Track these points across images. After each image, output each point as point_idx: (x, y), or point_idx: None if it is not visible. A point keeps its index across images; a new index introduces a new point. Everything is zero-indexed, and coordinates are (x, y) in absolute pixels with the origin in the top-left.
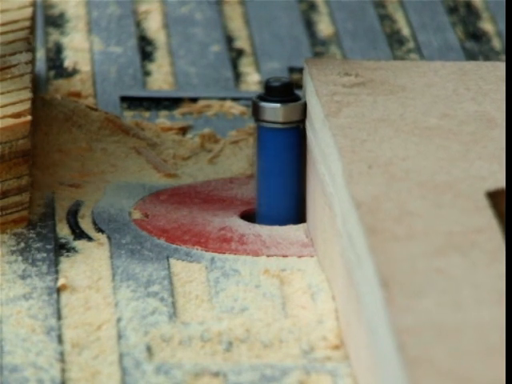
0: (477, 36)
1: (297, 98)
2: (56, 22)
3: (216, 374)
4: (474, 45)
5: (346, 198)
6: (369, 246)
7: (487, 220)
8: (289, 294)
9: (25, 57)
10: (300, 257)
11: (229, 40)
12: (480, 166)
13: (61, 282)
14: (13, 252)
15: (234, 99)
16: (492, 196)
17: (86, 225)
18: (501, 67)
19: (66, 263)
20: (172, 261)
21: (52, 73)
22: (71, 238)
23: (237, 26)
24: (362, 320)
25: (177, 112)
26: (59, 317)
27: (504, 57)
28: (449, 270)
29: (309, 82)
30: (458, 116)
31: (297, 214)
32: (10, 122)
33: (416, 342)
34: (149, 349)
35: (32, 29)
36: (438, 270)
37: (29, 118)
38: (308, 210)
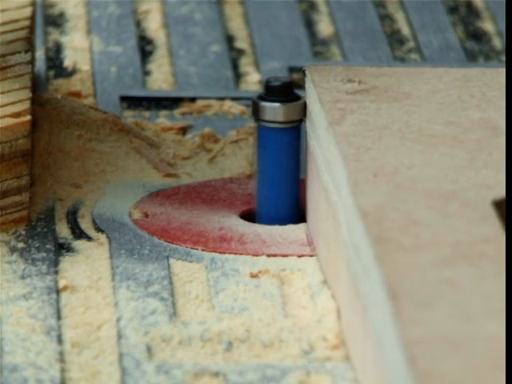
0: (477, 36)
1: (297, 98)
2: (56, 21)
3: (216, 374)
4: (475, 44)
5: (352, 207)
6: (376, 256)
7: (495, 229)
8: (289, 293)
9: (24, 56)
10: (300, 256)
11: (229, 40)
12: (486, 174)
13: (62, 283)
14: (13, 252)
15: (234, 99)
16: (499, 205)
17: (85, 224)
18: (505, 74)
19: (65, 263)
20: (172, 261)
21: (52, 72)
22: (71, 237)
23: (237, 25)
24: (369, 332)
25: (177, 112)
26: (59, 317)
27: (504, 57)
28: (457, 280)
29: (311, 89)
30: (462, 123)
31: (297, 213)
32: (10, 121)
33: (427, 354)
34: (149, 349)
35: (32, 28)
36: (447, 280)
37: (28, 117)
38: (309, 217)
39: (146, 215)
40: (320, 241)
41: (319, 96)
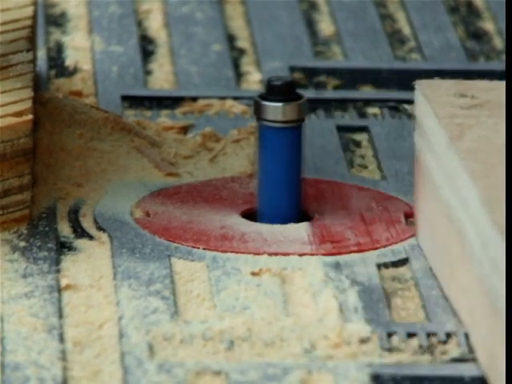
0: (478, 35)
1: (298, 97)
2: (57, 21)
3: (218, 373)
4: (475, 44)
5: (487, 224)
6: None
7: None
8: (290, 292)
9: (26, 55)
10: (301, 255)
11: (230, 39)
12: None
13: (64, 282)
14: (14, 251)
15: (235, 98)
16: None
17: (87, 223)
18: None
19: (67, 262)
20: (173, 259)
21: (53, 72)
22: (73, 236)
23: (238, 25)
24: None
25: (178, 111)
26: (61, 315)
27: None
28: None
29: (424, 103)
30: None
31: (298, 212)
32: (12, 120)
33: None
34: (150, 347)
35: (33, 28)
36: None
37: (30, 116)
38: (421, 230)
39: (148, 214)
40: (437, 256)
41: (435, 111)
